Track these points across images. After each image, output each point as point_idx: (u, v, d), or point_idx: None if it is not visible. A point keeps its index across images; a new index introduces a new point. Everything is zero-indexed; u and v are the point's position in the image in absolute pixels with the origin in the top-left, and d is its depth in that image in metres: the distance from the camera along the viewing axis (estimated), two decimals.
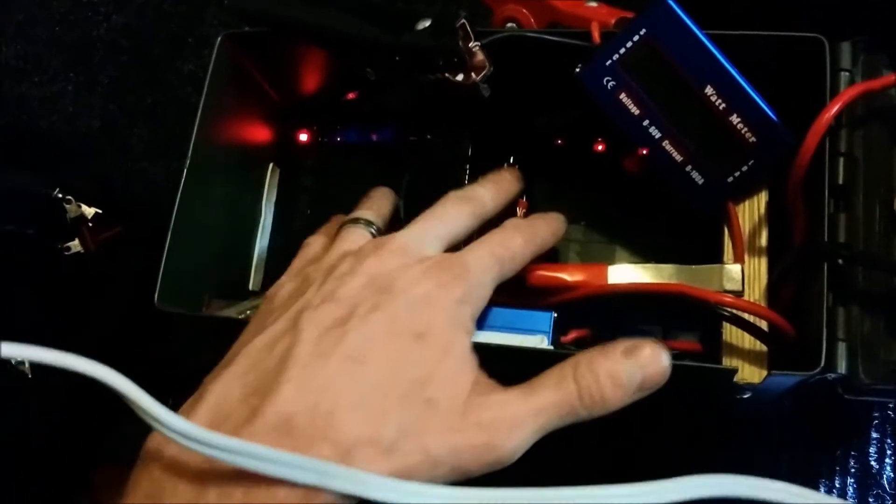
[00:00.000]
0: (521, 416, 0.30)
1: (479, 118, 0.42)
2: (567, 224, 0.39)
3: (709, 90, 0.37)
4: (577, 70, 0.38)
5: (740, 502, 0.27)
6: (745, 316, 0.36)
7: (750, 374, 0.36)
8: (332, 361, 0.30)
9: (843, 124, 0.35)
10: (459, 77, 0.38)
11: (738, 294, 0.37)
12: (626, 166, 0.41)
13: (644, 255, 0.42)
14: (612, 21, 0.41)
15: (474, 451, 0.29)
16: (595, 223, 0.43)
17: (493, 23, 0.46)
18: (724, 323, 0.37)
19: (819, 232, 0.35)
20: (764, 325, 0.36)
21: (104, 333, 0.53)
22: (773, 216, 0.38)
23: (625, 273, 0.39)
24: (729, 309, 0.36)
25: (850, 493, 0.43)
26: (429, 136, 0.44)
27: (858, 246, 0.34)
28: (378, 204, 0.40)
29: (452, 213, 0.36)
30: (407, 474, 0.28)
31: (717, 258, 0.39)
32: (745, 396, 0.35)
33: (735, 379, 0.34)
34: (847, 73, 0.35)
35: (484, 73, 0.38)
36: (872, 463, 0.43)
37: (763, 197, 0.39)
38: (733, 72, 0.36)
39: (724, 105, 0.37)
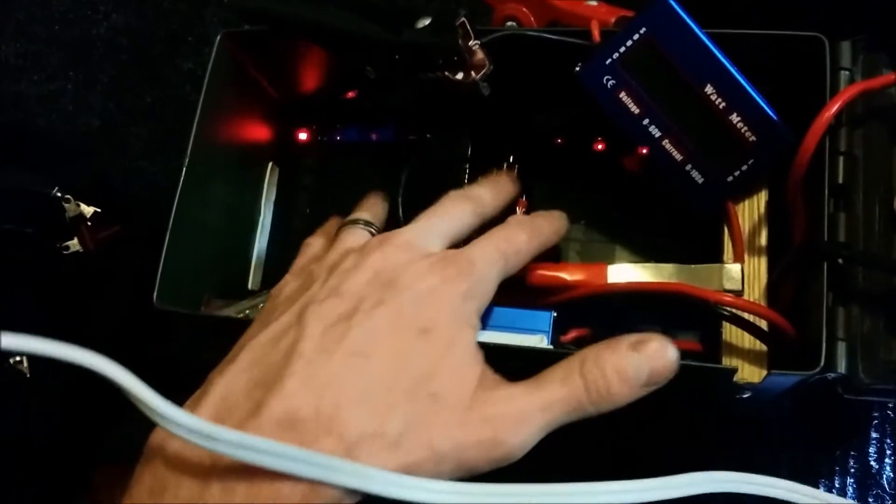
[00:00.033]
0: (528, 411, 0.29)
1: (479, 117, 0.42)
2: (567, 223, 0.39)
3: (709, 89, 0.37)
4: (577, 69, 0.38)
5: (741, 501, 0.27)
6: (745, 315, 0.36)
7: (750, 373, 0.36)
8: (337, 356, 0.30)
9: (843, 123, 0.35)
10: (459, 75, 0.38)
11: (738, 293, 0.37)
12: (625, 165, 0.41)
13: (644, 254, 0.42)
14: (612, 20, 0.41)
15: (480, 446, 0.29)
16: (595, 223, 0.43)
17: (492, 21, 0.46)
18: (724, 322, 0.37)
19: (819, 231, 0.34)
20: (764, 324, 0.36)
21: (103, 332, 0.53)
22: (773, 215, 0.38)
23: (625, 272, 0.39)
24: (729, 308, 0.36)
25: (849, 493, 0.42)
26: (428, 135, 0.44)
27: (858, 245, 0.34)
28: (374, 207, 0.41)
29: (455, 210, 0.36)
30: (412, 469, 0.28)
31: (716, 258, 0.39)
32: (745, 396, 0.35)
33: (735, 378, 0.34)
34: (847, 72, 0.35)
35: (484, 71, 0.38)
36: (872, 463, 0.43)
37: (763, 196, 0.39)
38: (733, 71, 0.36)
39: (723, 104, 0.37)
